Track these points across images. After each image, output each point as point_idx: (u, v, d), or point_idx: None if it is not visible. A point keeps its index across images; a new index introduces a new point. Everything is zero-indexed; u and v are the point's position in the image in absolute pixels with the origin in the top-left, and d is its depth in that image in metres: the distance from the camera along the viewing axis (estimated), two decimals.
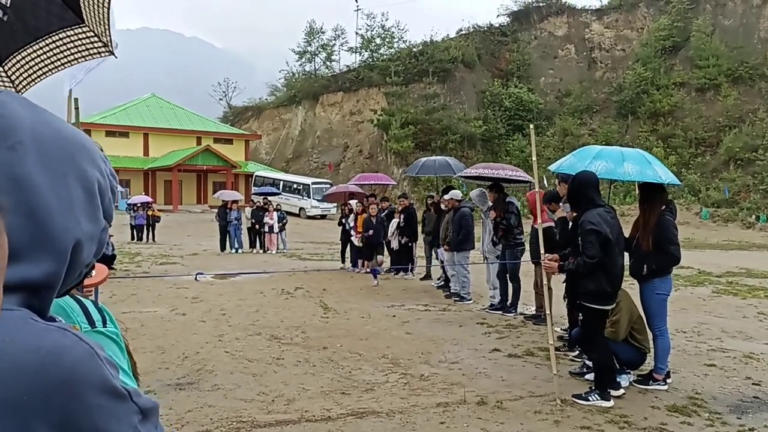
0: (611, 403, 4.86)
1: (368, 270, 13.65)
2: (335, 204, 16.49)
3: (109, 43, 2.70)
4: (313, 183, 37.00)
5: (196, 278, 10.47)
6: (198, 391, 5.23)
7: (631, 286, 5.57)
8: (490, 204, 9.11)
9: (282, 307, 9.23)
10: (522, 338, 7.28)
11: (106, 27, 2.58)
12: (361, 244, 13.77)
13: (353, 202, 14.48)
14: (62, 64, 2.83)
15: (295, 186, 37.70)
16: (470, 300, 9.78)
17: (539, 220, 5.75)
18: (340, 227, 15.05)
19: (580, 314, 5.18)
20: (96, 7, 2.47)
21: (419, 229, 12.81)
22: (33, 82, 2.88)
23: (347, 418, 4.61)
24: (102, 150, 0.81)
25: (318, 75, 52.88)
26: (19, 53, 2.78)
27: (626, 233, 5.59)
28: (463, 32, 49.78)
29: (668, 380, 5.42)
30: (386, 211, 13.42)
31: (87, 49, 2.76)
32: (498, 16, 77.71)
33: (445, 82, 45.06)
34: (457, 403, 4.93)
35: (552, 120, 43.28)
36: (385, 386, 5.41)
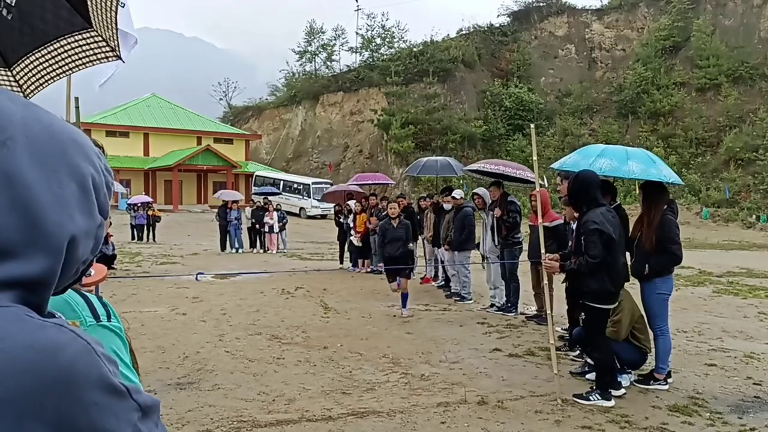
0: (612, 402, 4.85)
1: (368, 270, 13.65)
2: (335, 204, 16.43)
3: (117, 48, 2.70)
4: (313, 183, 36.99)
5: (196, 278, 10.47)
6: (198, 391, 5.22)
7: (632, 286, 5.57)
8: (490, 201, 9.11)
9: (282, 307, 9.22)
10: (523, 338, 7.27)
11: (114, 31, 2.58)
12: (360, 244, 13.76)
13: (352, 203, 14.46)
14: (70, 69, 2.83)
15: (295, 186, 37.69)
16: (471, 300, 9.77)
17: (540, 219, 5.73)
18: (338, 227, 15.04)
19: (582, 314, 5.18)
20: (104, 11, 2.47)
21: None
22: (41, 86, 2.88)
23: (348, 417, 4.60)
24: (102, 148, 0.81)
25: (318, 75, 52.84)
26: (28, 57, 2.78)
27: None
28: (464, 32, 49.75)
29: (669, 380, 5.42)
30: (385, 212, 13.38)
31: (95, 54, 2.76)
32: (498, 16, 77.68)
33: (445, 82, 45.03)
34: (457, 402, 4.92)
35: (552, 120, 43.24)
36: (386, 386, 5.40)
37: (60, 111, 2.69)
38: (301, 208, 36.38)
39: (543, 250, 5.38)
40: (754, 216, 30.41)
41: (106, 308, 1.02)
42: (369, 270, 13.66)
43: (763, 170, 32.78)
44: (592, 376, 5.38)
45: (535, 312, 8.34)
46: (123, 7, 2.55)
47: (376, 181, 17.23)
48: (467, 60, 46.09)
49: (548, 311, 5.35)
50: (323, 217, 35.21)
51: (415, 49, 47.40)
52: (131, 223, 23.42)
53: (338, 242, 15.26)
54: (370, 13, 72.10)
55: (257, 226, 19.21)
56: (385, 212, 9.87)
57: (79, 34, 2.67)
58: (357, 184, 15.99)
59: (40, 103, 0.74)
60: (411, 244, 8.82)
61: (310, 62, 54.23)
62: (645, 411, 4.78)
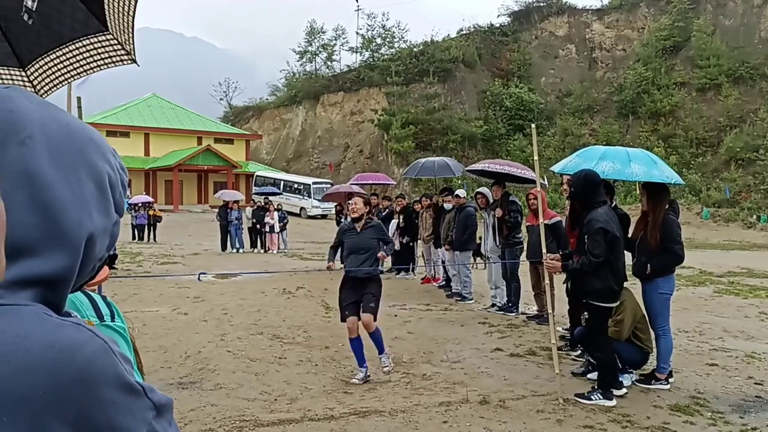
0: (614, 402, 4.86)
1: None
2: (336, 204, 16.41)
3: (132, 51, 2.71)
4: (313, 183, 36.99)
5: (199, 278, 10.47)
6: (200, 391, 5.23)
7: (633, 286, 5.57)
8: (491, 201, 9.11)
9: (284, 307, 9.23)
10: (524, 338, 7.28)
11: (130, 35, 2.58)
12: None
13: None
14: (84, 71, 2.84)
15: (295, 186, 37.69)
16: (472, 300, 9.77)
17: (542, 219, 5.74)
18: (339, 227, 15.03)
19: (585, 313, 5.19)
20: (120, 15, 2.48)
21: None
22: (55, 88, 2.89)
23: (350, 417, 4.61)
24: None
25: (319, 75, 52.85)
26: (42, 58, 2.79)
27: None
28: (464, 32, 49.78)
29: (671, 380, 5.42)
30: (385, 212, 13.39)
31: (110, 56, 2.77)
32: (499, 16, 77.69)
33: (445, 82, 45.04)
34: (459, 402, 4.93)
35: (553, 120, 43.25)
36: (388, 385, 5.41)
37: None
38: (302, 208, 36.39)
39: (544, 250, 5.38)
40: (754, 216, 30.39)
41: (110, 308, 1.03)
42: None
43: (763, 170, 32.77)
44: (593, 375, 5.38)
45: (536, 312, 8.35)
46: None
47: (377, 181, 17.22)
48: (468, 60, 46.11)
49: (550, 311, 5.35)
50: (324, 217, 35.21)
51: (415, 49, 47.43)
52: (132, 223, 23.43)
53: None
54: (370, 13, 72.40)
55: (258, 226, 19.22)
56: (349, 211, 6.60)
57: (95, 36, 2.68)
58: (358, 184, 15.98)
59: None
60: (387, 252, 5.87)
61: (311, 62, 54.30)
62: (647, 411, 4.78)
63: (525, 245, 8.72)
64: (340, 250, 5.96)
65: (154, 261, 15.78)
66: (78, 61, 2.79)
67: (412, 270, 12.87)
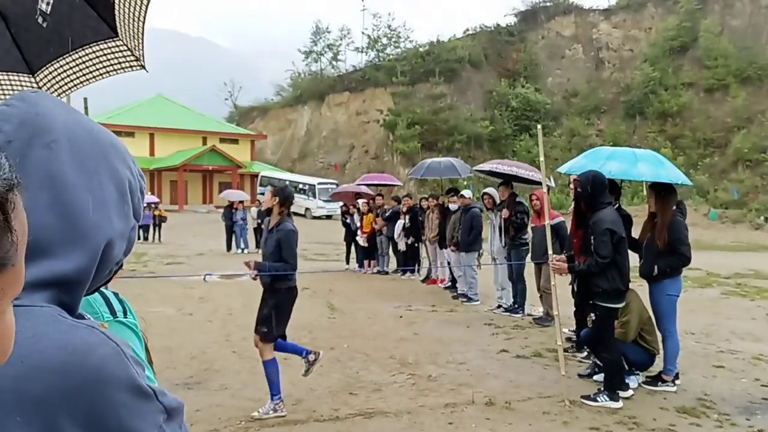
0: (620, 404, 4.84)
1: (374, 271, 13.66)
2: (342, 204, 16.41)
3: (141, 57, 2.72)
4: (318, 183, 37.01)
5: (204, 279, 10.49)
6: (206, 391, 5.24)
7: (639, 287, 5.55)
8: (498, 201, 9.10)
9: None
10: (530, 339, 7.26)
11: (140, 41, 2.59)
12: (366, 244, 13.77)
13: (360, 202, 14.46)
14: (94, 77, 2.84)
15: (300, 186, 37.71)
16: (478, 301, 9.76)
17: (546, 219, 5.73)
18: (345, 228, 15.05)
19: (593, 315, 5.18)
20: (131, 21, 2.49)
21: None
22: (63, 94, 2.89)
23: (355, 418, 4.61)
24: None
25: (324, 75, 52.89)
26: (52, 65, 2.80)
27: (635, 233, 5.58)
28: (470, 32, 49.74)
29: (677, 381, 5.40)
30: (390, 212, 13.39)
31: (119, 62, 2.77)
32: (505, 15, 77.85)
33: (451, 82, 45.01)
34: (465, 403, 4.92)
35: (559, 120, 43.15)
36: (393, 387, 5.41)
37: None
38: (307, 209, 36.41)
39: (550, 251, 5.38)
40: (762, 217, 30.22)
41: (122, 304, 1.04)
42: (375, 271, 13.67)
43: None
44: (599, 377, 5.37)
45: (542, 314, 8.33)
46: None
47: (383, 182, 17.22)
48: (474, 60, 46.06)
49: (555, 312, 5.34)
50: (329, 217, 35.24)
51: (421, 49, 47.42)
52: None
53: (345, 243, 15.27)
54: (376, 13, 72.31)
55: (263, 226, 19.22)
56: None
57: (104, 42, 2.69)
58: (365, 185, 15.96)
59: None
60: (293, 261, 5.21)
61: (316, 62, 54.32)
62: (653, 412, 4.76)
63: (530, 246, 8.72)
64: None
65: (159, 261, 15.83)
66: (87, 67, 2.79)
67: (417, 271, 12.87)
